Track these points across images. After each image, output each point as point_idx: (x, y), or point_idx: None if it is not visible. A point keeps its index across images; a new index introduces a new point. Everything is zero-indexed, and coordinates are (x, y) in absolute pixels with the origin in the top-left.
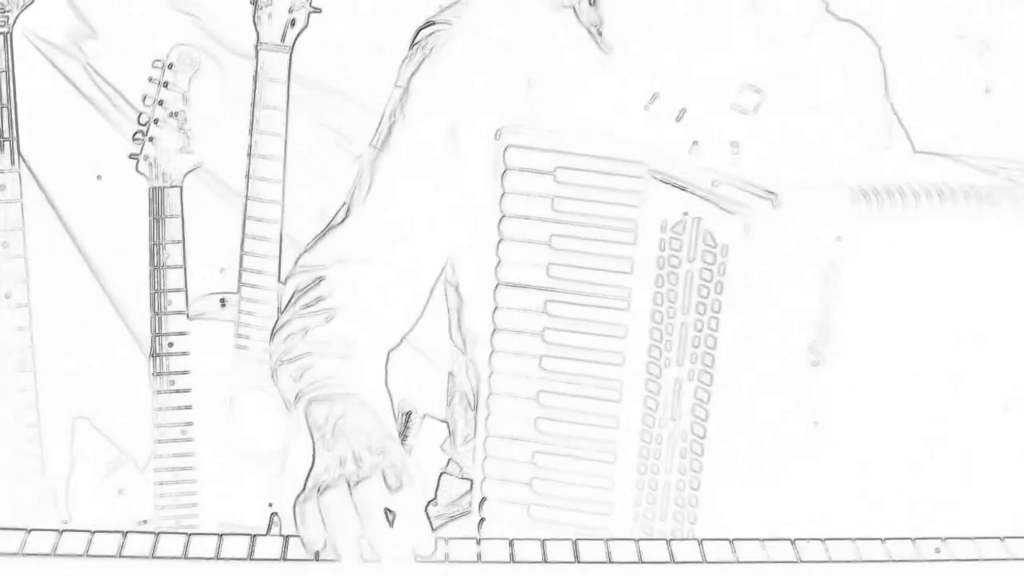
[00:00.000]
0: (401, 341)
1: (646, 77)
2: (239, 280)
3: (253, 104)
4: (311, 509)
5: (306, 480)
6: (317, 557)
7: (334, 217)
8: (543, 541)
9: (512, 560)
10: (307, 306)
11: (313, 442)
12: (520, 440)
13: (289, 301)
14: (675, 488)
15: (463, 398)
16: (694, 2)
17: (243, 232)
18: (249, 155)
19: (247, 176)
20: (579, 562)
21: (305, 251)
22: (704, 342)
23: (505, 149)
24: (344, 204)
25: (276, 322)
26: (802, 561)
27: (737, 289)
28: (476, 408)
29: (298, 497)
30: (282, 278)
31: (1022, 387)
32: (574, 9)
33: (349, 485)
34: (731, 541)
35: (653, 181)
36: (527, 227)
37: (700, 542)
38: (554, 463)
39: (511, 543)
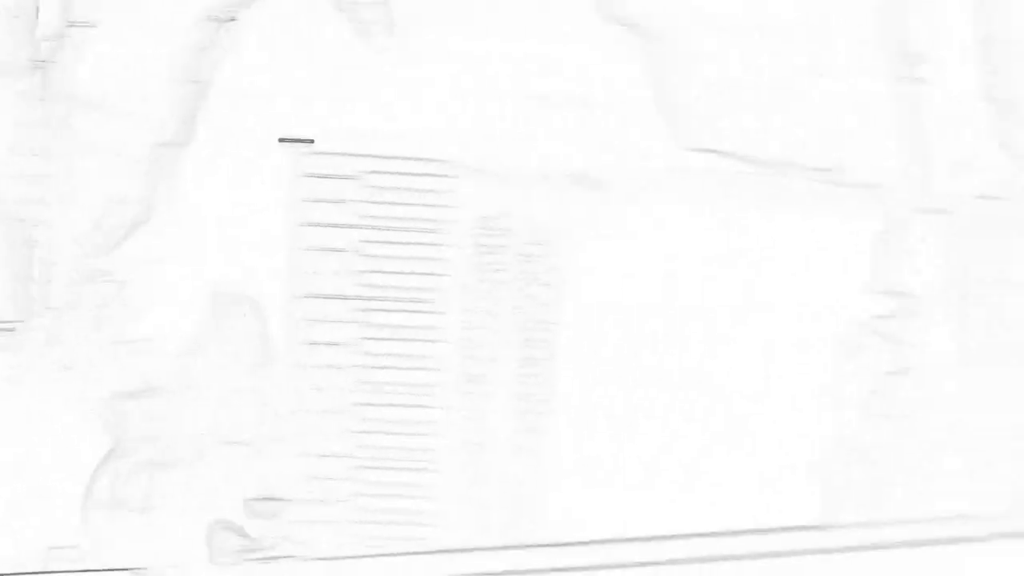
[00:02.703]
0: (204, 346)
1: (440, 69)
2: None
3: (17, 122)
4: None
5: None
6: None
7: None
8: (364, 559)
9: None
10: (106, 306)
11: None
12: (338, 456)
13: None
14: (512, 484)
15: (268, 415)
16: None
17: (11, 252)
18: (13, 175)
19: (15, 197)
20: None
21: (101, 253)
22: (532, 336)
23: (306, 155)
24: (132, 203)
25: (72, 326)
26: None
27: (566, 280)
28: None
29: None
30: (51, 295)
31: (811, 375)
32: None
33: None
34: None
35: (465, 180)
36: (334, 234)
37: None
38: (374, 476)
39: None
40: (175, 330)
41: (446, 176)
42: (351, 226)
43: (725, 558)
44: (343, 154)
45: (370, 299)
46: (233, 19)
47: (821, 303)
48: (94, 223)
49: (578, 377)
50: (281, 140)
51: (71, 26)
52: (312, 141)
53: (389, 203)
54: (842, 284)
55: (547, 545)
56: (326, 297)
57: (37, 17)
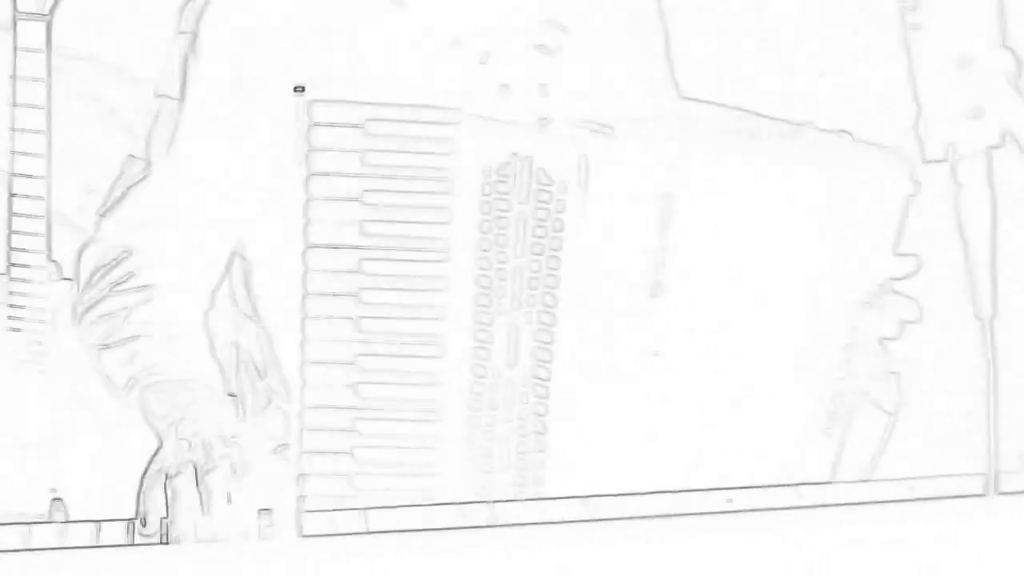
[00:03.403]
0: (216, 302)
1: (444, 22)
2: (7, 260)
3: (13, 77)
4: (157, 495)
5: (149, 463)
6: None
7: (121, 177)
8: (365, 511)
9: (334, 532)
10: (118, 283)
11: (155, 428)
12: (339, 408)
13: (93, 274)
14: (517, 435)
15: (249, 368)
16: None
17: (9, 210)
18: (11, 130)
19: (11, 152)
20: (402, 531)
21: (104, 215)
22: (543, 282)
23: (311, 104)
24: (133, 159)
25: (82, 299)
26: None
27: (577, 226)
28: (264, 377)
29: (140, 488)
30: (52, 252)
31: (827, 331)
32: None
33: (196, 470)
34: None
35: (469, 127)
36: (337, 184)
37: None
38: (376, 428)
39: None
40: (177, 287)
41: (450, 123)
42: (353, 175)
43: (732, 512)
44: (344, 102)
45: (372, 248)
46: None
47: (839, 260)
48: (91, 180)
49: (584, 324)
50: (295, 89)
51: None
52: (303, 89)
53: (392, 151)
54: (861, 242)
55: (553, 499)
56: (327, 247)
57: None
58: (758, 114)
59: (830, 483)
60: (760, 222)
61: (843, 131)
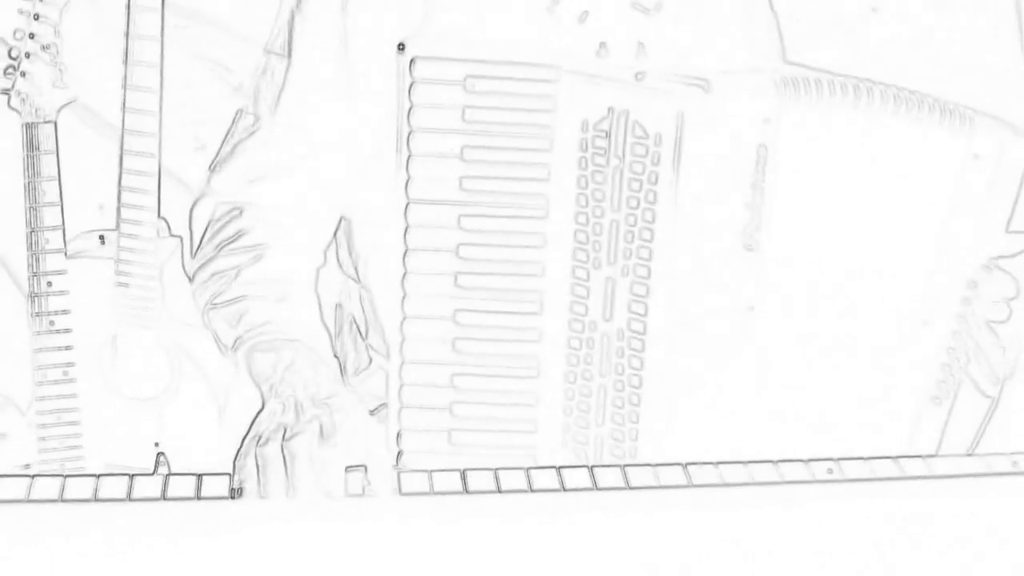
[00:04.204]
0: (327, 259)
1: None
2: (118, 216)
3: (127, 35)
4: (251, 463)
5: (251, 426)
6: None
7: (231, 133)
8: (463, 472)
9: (432, 491)
10: (230, 241)
11: (260, 389)
12: (438, 364)
13: (205, 232)
14: (612, 390)
15: (352, 328)
16: None
17: (121, 167)
18: (124, 87)
19: (123, 109)
20: (500, 491)
21: (214, 171)
22: (639, 236)
23: (411, 61)
24: (242, 113)
25: (195, 257)
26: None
27: (671, 178)
28: (367, 336)
29: (239, 450)
30: (161, 208)
31: (938, 300)
32: None
33: (284, 432)
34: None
35: (567, 84)
36: (437, 140)
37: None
38: (474, 384)
39: (430, 475)
40: (285, 246)
41: (549, 81)
42: (452, 131)
43: (835, 481)
44: (445, 59)
45: (471, 204)
46: None
47: (946, 231)
48: (201, 138)
49: (680, 278)
50: (399, 47)
51: None
52: (403, 47)
53: (491, 108)
54: (971, 215)
55: (651, 465)
56: (427, 203)
57: None
58: (868, 80)
59: (933, 456)
60: (868, 187)
61: (958, 103)
